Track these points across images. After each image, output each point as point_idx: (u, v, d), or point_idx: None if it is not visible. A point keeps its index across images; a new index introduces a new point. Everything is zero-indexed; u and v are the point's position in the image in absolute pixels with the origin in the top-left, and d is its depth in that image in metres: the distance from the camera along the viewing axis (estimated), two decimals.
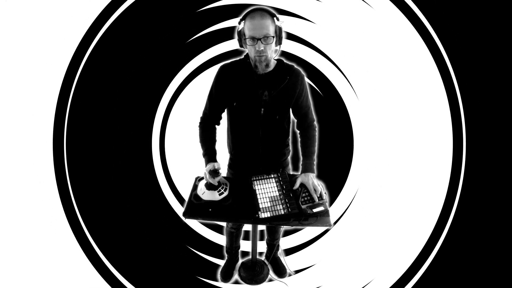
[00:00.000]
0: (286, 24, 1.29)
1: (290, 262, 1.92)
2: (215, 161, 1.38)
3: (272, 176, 1.43)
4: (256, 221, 1.28)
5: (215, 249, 2.06)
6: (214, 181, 1.33)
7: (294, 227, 1.46)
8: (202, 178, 1.43)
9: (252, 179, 1.43)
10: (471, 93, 1.87)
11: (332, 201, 1.92)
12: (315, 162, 1.44)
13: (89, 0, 1.93)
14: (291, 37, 2.06)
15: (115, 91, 2.13)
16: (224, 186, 1.39)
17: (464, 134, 1.90)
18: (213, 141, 1.44)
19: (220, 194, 1.36)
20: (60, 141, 2.03)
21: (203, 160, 1.41)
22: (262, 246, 1.95)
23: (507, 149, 1.81)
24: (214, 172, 1.32)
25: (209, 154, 1.40)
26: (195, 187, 1.44)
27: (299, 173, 1.44)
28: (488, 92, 1.83)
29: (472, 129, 1.88)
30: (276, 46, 1.27)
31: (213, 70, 1.40)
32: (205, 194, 1.36)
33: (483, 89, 1.84)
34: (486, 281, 1.73)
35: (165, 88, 2.19)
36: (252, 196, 1.35)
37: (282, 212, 1.28)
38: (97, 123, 2.14)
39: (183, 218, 1.31)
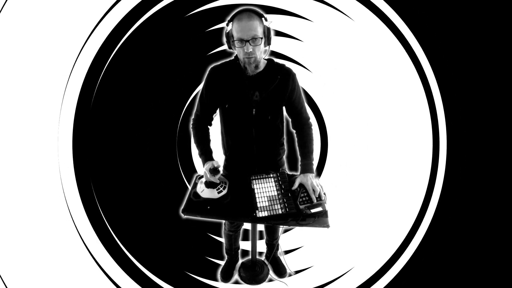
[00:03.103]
0: (281, 22, 1.29)
1: (290, 262, 1.91)
2: (213, 159, 1.39)
3: (271, 175, 1.43)
4: (253, 220, 1.29)
5: (215, 249, 2.07)
6: (215, 179, 1.34)
7: (291, 227, 1.45)
8: (202, 177, 1.44)
9: (251, 178, 1.43)
10: (449, 92, 1.95)
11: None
12: (314, 162, 1.43)
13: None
14: (285, 35, 2.08)
15: (146, 88, 2.19)
16: (223, 185, 1.39)
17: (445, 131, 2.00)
18: (208, 140, 1.45)
19: (219, 192, 1.36)
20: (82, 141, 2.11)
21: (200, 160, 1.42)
22: (262, 246, 1.95)
23: (485, 141, 1.90)
24: (214, 170, 1.33)
25: (206, 154, 1.41)
26: (195, 185, 1.45)
27: (298, 173, 1.44)
28: (465, 91, 1.91)
29: (451, 127, 1.97)
30: (265, 46, 1.27)
31: None
32: (204, 192, 1.37)
33: (461, 89, 1.92)
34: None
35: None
36: (251, 195, 1.35)
37: (280, 212, 1.28)
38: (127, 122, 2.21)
39: (182, 215, 1.33)
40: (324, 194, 1.36)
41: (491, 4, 1.80)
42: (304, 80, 1.98)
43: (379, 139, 2.24)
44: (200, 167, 1.38)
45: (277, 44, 2.00)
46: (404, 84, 2.06)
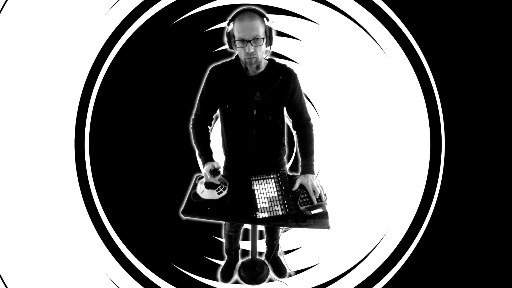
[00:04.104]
0: (282, 22, 1.28)
1: (290, 262, 1.91)
2: (213, 160, 1.38)
3: (272, 176, 1.42)
4: (253, 221, 1.28)
5: (215, 249, 2.06)
6: (215, 180, 1.33)
7: (292, 228, 1.45)
8: (202, 177, 1.43)
9: (251, 179, 1.42)
10: (446, 93, 1.97)
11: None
12: (314, 163, 1.42)
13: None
14: (286, 35, 2.08)
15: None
16: (223, 186, 1.39)
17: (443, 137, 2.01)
18: (208, 141, 1.44)
19: (219, 193, 1.36)
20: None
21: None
22: (262, 246, 1.95)
23: (482, 140, 1.93)
24: (214, 171, 1.32)
25: (206, 154, 1.40)
26: (194, 185, 1.44)
27: (299, 174, 1.43)
28: (462, 90, 1.94)
29: (448, 127, 1.99)
30: (266, 47, 1.25)
31: None
32: (204, 193, 1.36)
33: (458, 88, 1.94)
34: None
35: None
36: (251, 196, 1.35)
37: (280, 213, 1.27)
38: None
39: (181, 216, 1.32)
40: (325, 195, 1.35)
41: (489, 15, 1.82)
42: (303, 80, 1.98)
43: (377, 139, 2.24)
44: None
45: (278, 44, 2.00)
46: (402, 84, 2.07)
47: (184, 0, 2.01)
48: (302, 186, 1.36)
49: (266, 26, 1.21)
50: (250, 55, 1.20)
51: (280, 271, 1.90)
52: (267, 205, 1.30)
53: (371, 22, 1.98)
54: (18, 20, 1.87)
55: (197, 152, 1.43)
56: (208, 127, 1.46)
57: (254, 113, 1.34)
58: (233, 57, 1.35)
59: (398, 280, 1.83)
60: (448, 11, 1.88)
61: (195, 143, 1.44)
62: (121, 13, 1.97)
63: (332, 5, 2.00)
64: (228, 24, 1.23)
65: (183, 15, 2.03)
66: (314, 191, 1.31)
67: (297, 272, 1.92)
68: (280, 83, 1.32)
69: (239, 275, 1.90)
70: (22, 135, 1.97)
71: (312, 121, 1.49)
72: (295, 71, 1.37)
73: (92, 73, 2.03)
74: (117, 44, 2.01)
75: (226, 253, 1.93)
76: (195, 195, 1.38)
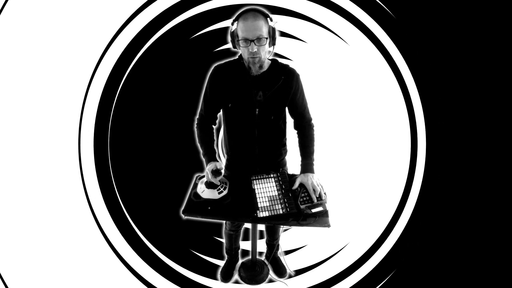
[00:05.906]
0: (283, 23, 1.29)
1: (290, 262, 1.91)
2: (216, 160, 1.38)
3: (272, 175, 1.43)
4: (254, 220, 1.28)
5: (215, 249, 2.06)
6: (216, 180, 1.34)
7: (291, 226, 1.45)
8: (203, 177, 1.43)
9: (252, 178, 1.42)
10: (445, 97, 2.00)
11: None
12: (314, 162, 1.43)
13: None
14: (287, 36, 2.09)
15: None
16: (224, 185, 1.39)
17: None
18: (212, 140, 1.44)
19: (219, 193, 1.36)
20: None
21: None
22: (262, 246, 1.95)
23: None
24: (216, 172, 1.33)
25: (209, 154, 1.40)
26: (195, 185, 1.44)
27: (299, 173, 1.44)
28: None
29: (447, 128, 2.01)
30: (269, 47, 1.26)
31: None
32: (204, 192, 1.37)
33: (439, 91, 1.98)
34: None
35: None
36: (251, 195, 1.35)
37: (281, 212, 1.28)
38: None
39: (182, 215, 1.32)
40: (325, 193, 1.35)
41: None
42: (304, 80, 1.98)
43: (377, 138, 2.26)
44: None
45: (279, 45, 2.02)
46: (402, 86, 2.08)
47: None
48: (302, 185, 1.36)
49: (269, 26, 1.22)
50: (254, 55, 1.21)
51: (280, 271, 1.90)
52: (268, 204, 1.31)
53: (372, 25, 2.00)
54: (18, 20, 1.88)
55: (200, 151, 1.44)
56: (213, 126, 1.47)
57: (256, 112, 1.35)
58: (236, 57, 1.36)
59: (398, 278, 1.84)
60: (446, 12, 1.89)
61: (198, 142, 1.44)
62: (123, 13, 1.99)
63: (334, 6, 2.01)
64: (232, 24, 1.24)
65: (184, 14, 2.04)
66: (314, 189, 1.32)
67: (297, 272, 1.92)
68: (283, 83, 1.33)
69: (239, 275, 1.90)
70: (23, 135, 1.97)
71: (313, 121, 1.50)
72: (298, 71, 1.38)
73: (94, 73, 2.03)
74: (120, 44, 2.02)
75: (226, 252, 1.93)
76: (195, 194, 1.38)
